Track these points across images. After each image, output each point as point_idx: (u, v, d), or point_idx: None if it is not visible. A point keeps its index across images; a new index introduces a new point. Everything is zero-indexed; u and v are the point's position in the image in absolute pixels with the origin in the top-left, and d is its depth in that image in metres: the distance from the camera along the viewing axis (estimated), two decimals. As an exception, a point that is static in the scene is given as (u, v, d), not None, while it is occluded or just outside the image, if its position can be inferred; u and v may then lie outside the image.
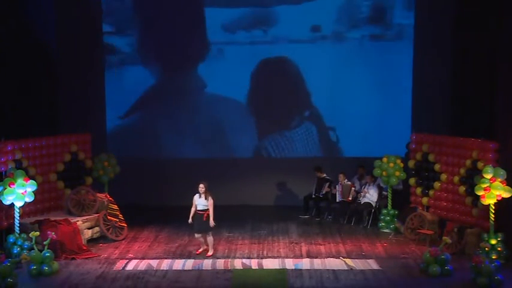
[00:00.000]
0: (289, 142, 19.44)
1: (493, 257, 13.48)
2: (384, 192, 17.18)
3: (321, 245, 15.47)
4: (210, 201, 14.39)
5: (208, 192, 14.39)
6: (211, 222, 14.38)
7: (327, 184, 17.79)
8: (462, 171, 15.11)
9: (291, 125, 19.44)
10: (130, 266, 13.93)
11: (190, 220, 14.53)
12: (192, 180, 14.70)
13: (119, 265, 14.01)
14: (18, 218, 14.45)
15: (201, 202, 14.39)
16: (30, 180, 14.39)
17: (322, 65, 19.06)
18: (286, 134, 19.44)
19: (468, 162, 14.93)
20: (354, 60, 19.09)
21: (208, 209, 14.38)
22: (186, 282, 12.95)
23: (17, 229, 14.43)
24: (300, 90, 19.30)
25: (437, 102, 18.62)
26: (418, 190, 16.38)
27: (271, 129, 19.45)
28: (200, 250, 14.77)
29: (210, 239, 14.65)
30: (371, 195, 17.16)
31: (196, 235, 14.70)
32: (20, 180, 14.15)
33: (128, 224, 16.28)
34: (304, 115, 19.41)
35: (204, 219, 14.39)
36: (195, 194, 14.44)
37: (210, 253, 14.63)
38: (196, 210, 14.45)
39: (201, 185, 14.39)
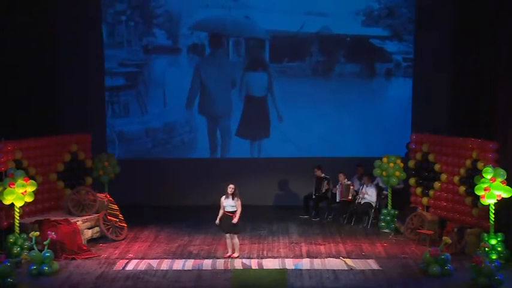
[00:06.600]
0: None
1: (493, 257, 13.48)
2: (385, 192, 17.18)
3: (321, 245, 15.46)
4: (238, 201, 14.32)
5: (236, 193, 14.31)
6: (234, 220, 14.26)
7: (326, 182, 17.80)
8: (462, 171, 15.11)
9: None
10: (131, 266, 13.92)
11: (218, 221, 14.38)
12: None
13: (119, 265, 14.01)
14: (18, 218, 14.46)
15: (229, 203, 14.29)
16: (30, 180, 14.40)
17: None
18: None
19: (468, 162, 14.93)
20: (354, 60, 19.10)
21: (236, 210, 14.31)
22: (186, 282, 12.95)
23: (17, 229, 14.44)
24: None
25: (437, 102, 18.60)
26: (418, 190, 16.37)
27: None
28: (228, 254, 14.46)
29: (236, 241, 14.50)
30: (370, 196, 17.16)
31: (227, 235, 14.49)
32: (20, 180, 14.15)
33: (128, 224, 16.27)
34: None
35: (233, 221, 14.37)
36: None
37: (235, 254, 14.44)
38: (224, 212, 14.33)
39: (231, 186, 14.26)
